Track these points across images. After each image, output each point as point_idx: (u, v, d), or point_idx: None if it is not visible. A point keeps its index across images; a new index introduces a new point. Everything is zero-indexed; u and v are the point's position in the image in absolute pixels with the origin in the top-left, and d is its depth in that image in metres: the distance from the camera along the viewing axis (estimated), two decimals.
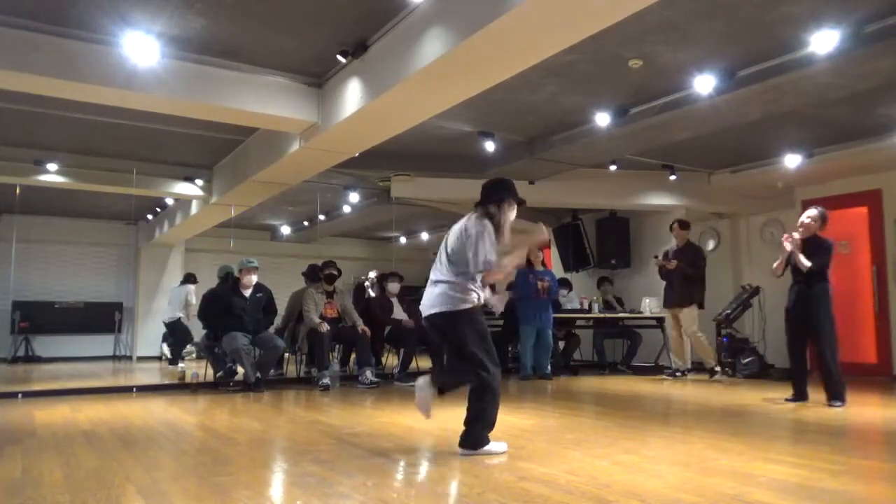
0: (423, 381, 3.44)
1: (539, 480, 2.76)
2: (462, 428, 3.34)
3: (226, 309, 6.43)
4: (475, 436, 3.30)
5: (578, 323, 8.76)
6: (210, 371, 6.88)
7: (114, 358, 11.05)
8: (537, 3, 3.35)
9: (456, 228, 3.54)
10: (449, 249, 3.46)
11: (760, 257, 8.77)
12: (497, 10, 3.47)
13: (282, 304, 7.31)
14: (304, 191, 8.60)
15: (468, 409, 3.34)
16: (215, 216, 9.18)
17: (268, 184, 7.25)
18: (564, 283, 8.78)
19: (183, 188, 8.46)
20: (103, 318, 11.09)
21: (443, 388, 3.51)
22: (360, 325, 6.93)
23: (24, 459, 3.26)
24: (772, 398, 5.55)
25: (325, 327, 6.65)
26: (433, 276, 3.51)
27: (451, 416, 4.13)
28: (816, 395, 5.23)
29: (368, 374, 6.69)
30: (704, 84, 5.09)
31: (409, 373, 7.15)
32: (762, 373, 7.37)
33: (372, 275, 8.96)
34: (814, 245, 5.21)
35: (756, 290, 8.08)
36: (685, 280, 7.17)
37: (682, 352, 7.41)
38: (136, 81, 4.76)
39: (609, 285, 9.18)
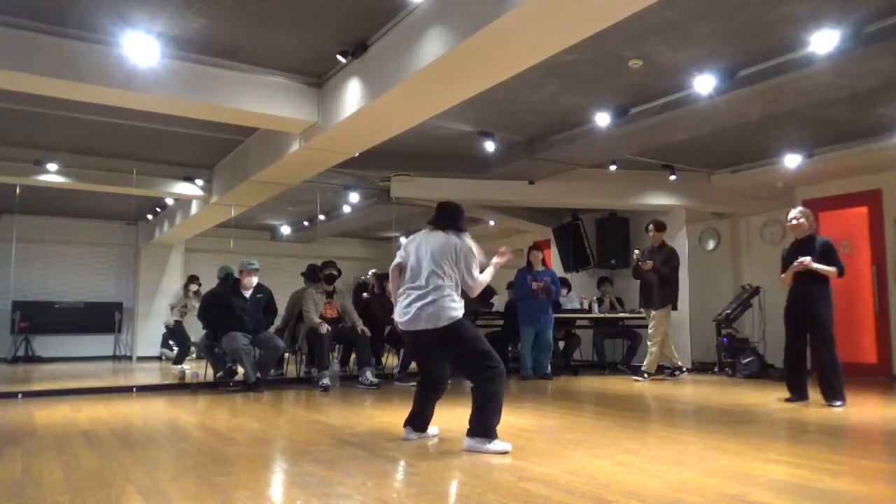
0: (491, 445, 3.36)
1: (539, 480, 2.76)
2: (467, 425, 3.40)
3: (226, 309, 6.43)
4: (487, 425, 3.38)
5: (578, 323, 8.76)
6: (210, 371, 6.88)
7: (114, 358, 11.04)
8: (537, 3, 3.35)
9: (435, 243, 3.64)
10: (436, 265, 3.57)
11: (760, 257, 8.78)
12: (497, 10, 3.47)
13: (282, 305, 7.31)
14: (304, 191, 8.60)
15: (479, 400, 3.43)
16: (215, 216, 9.18)
17: (268, 184, 7.25)
18: (563, 283, 8.78)
19: (183, 188, 8.46)
20: (103, 318, 11.08)
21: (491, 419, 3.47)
22: (360, 326, 6.93)
23: (24, 459, 3.26)
24: (772, 398, 5.55)
25: (325, 327, 6.65)
26: (417, 291, 3.57)
27: (452, 417, 4.13)
28: (816, 395, 5.22)
29: (368, 375, 6.68)
30: (704, 84, 5.09)
31: (409, 373, 7.15)
32: (762, 373, 7.37)
33: (370, 274, 8.97)
34: (819, 247, 5.19)
35: (756, 290, 8.09)
36: (661, 281, 7.15)
37: (671, 350, 7.36)
38: (136, 81, 4.77)
39: (609, 286, 9.18)
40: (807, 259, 5.10)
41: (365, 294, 8.16)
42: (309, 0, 4.23)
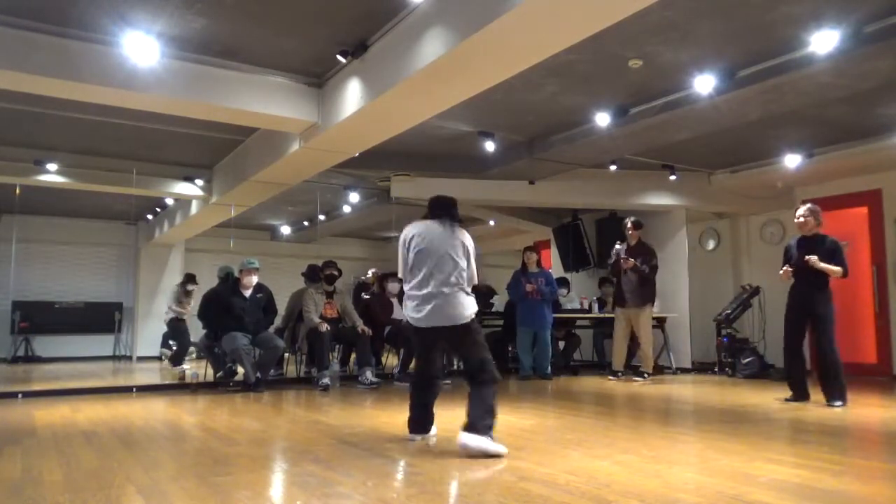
0: (474, 441, 3.27)
1: (539, 480, 2.76)
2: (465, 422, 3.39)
3: (226, 309, 6.43)
4: (484, 423, 3.34)
5: (578, 323, 8.76)
6: (210, 371, 6.88)
7: (114, 358, 11.04)
8: (537, 3, 3.35)
9: (443, 238, 3.66)
10: (450, 260, 3.60)
11: (760, 257, 8.78)
12: (497, 10, 3.47)
13: (282, 304, 7.31)
14: (304, 191, 8.60)
15: (476, 400, 3.42)
16: (215, 216, 9.17)
17: (268, 184, 7.24)
18: (563, 283, 8.78)
19: (183, 188, 8.45)
20: (103, 318, 11.08)
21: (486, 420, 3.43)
22: (360, 325, 6.93)
23: (24, 459, 3.26)
24: (771, 398, 5.55)
25: (325, 327, 6.65)
26: (441, 286, 3.56)
27: (452, 417, 4.13)
28: (817, 394, 5.23)
29: (368, 375, 6.68)
30: (704, 84, 5.09)
31: (409, 373, 7.15)
32: (762, 373, 7.37)
33: (370, 273, 8.97)
34: (824, 246, 5.18)
35: (756, 290, 8.08)
36: (641, 280, 7.16)
37: (623, 353, 7.35)
38: (136, 81, 4.76)
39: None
40: (813, 257, 5.10)
41: (364, 294, 8.16)
42: (309, 0, 4.23)
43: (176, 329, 9.76)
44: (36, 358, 10.47)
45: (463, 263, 3.62)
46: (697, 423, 4.47)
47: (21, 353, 10.41)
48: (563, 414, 4.81)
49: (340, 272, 7.27)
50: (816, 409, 4.95)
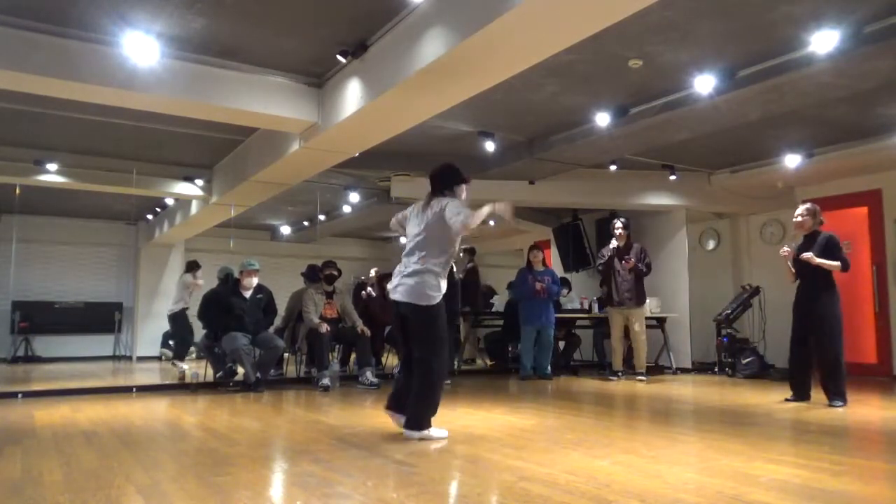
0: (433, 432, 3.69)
1: (539, 480, 2.76)
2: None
3: (226, 309, 6.43)
4: (422, 417, 3.66)
5: (578, 323, 8.76)
6: (210, 371, 6.88)
7: (114, 358, 11.04)
8: (537, 3, 3.35)
9: (424, 214, 3.84)
10: (423, 239, 3.75)
11: (760, 257, 8.78)
12: (497, 9, 3.47)
13: (281, 305, 7.31)
14: (304, 191, 8.60)
15: (417, 390, 3.67)
16: (215, 216, 9.17)
17: (268, 184, 7.24)
18: (564, 283, 8.78)
19: (183, 188, 8.45)
20: (103, 318, 11.08)
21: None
22: (360, 326, 6.93)
23: (24, 459, 3.26)
24: (772, 398, 5.55)
25: (325, 328, 6.64)
26: (404, 265, 3.78)
27: (453, 416, 4.13)
28: (817, 395, 5.22)
29: (368, 375, 6.68)
30: (704, 84, 5.09)
31: None
32: (762, 373, 7.37)
33: (372, 273, 8.95)
34: (821, 242, 5.18)
35: (756, 290, 8.08)
36: (637, 279, 7.24)
37: (622, 352, 7.44)
38: (136, 81, 4.76)
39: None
40: (809, 254, 5.11)
41: (364, 293, 8.16)
42: (309, 0, 4.23)
43: (181, 323, 9.66)
44: (36, 358, 10.47)
45: (439, 242, 3.72)
46: (697, 423, 4.47)
47: (21, 353, 10.41)
48: (563, 414, 4.80)
49: (340, 272, 7.27)
50: (817, 409, 4.95)
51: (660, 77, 5.28)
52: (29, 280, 10.62)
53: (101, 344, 11.08)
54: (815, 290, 5.16)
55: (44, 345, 10.63)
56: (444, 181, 3.96)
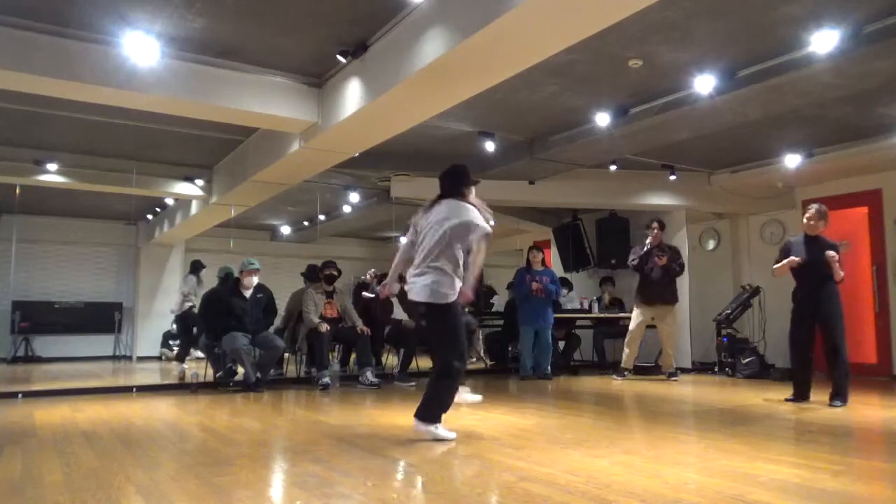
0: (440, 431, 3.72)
1: (539, 480, 2.76)
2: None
3: (226, 309, 6.43)
4: (432, 411, 3.69)
5: (578, 323, 8.76)
6: (210, 371, 6.88)
7: (114, 358, 11.05)
8: (537, 3, 3.35)
9: (439, 216, 3.78)
10: (439, 241, 3.71)
11: (760, 257, 8.77)
12: (497, 9, 3.47)
13: (282, 305, 7.31)
14: (304, 191, 8.60)
15: (432, 389, 3.74)
16: (215, 216, 9.17)
17: (268, 184, 7.24)
18: (564, 283, 8.78)
19: (183, 188, 8.45)
20: (103, 318, 11.08)
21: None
22: (360, 325, 6.93)
23: (24, 459, 3.26)
24: (772, 398, 5.55)
25: (325, 328, 6.64)
26: (419, 266, 3.77)
27: (453, 416, 4.13)
28: (817, 395, 5.23)
29: (368, 375, 6.68)
30: (704, 84, 5.09)
31: (409, 373, 7.16)
32: (762, 373, 7.37)
33: (370, 273, 8.95)
34: (832, 248, 5.19)
35: (756, 290, 8.08)
36: (670, 278, 7.24)
37: (636, 352, 7.43)
38: (136, 81, 4.76)
39: (611, 286, 9.17)
40: (832, 252, 5.11)
41: (366, 293, 8.16)
42: (309, 0, 4.23)
43: (188, 322, 9.62)
44: (36, 358, 10.48)
45: (455, 244, 3.70)
46: (697, 423, 4.47)
47: (21, 353, 10.42)
48: (563, 414, 4.81)
49: (340, 272, 7.27)
50: (816, 409, 4.95)
51: (660, 77, 5.28)
52: (29, 280, 10.62)
53: (101, 344, 11.08)
54: (820, 290, 5.17)
55: (44, 345, 10.63)
56: (454, 183, 3.93)
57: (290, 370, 7.61)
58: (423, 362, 7.54)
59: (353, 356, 7.28)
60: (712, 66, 5.00)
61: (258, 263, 6.64)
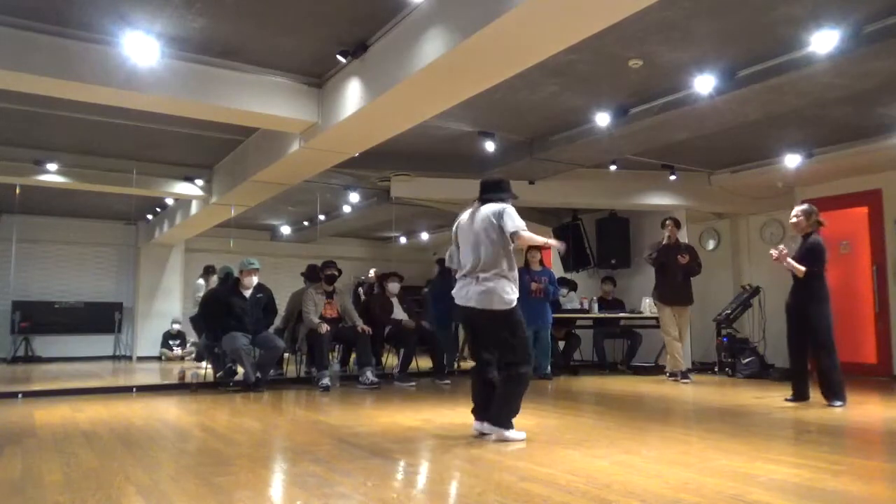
0: (510, 434, 3.68)
1: (539, 480, 2.76)
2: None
3: (226, 309, 6.43)
4: (505, 417, 3.69)
5: (578, 323, 8.76)
6: (210, 371, 6.88)
7: (114, 358, 11.05)
8: (537, 3, 3.35)
9: (478, 223, 3.86)
10: (482, 247, 3.77)
11: (760, 257, 8.77)
12: (497, 10, 3.47)
13: (281, 305, 7.32)
14: (304, 191, 8.60)
15: (499, 390, 3.74)
16: (215, 216, 9.18)
17: (268, 184, 7.24)
18: (568, 284, 8.78)
19: (183, 188, 8.46)
20: (103, 318, 11.10)
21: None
22: (360, 325, 6.93)
23: (24, 459, 3.26)
24: (772, 398, 5.55)
25: (325, 328, 6.64)
26: (470, 275, 3.81)
27: (453, 416, 4.14)
28: (817, 395, 5.22)
29: (369, 374, 6.68)
30: (704, 84, 5.09)
31: (409, 373, 7.16)
32: (762, 373, 7.37)
33: (371, 273, 8.95)
34: (805, 246, 5.19)
35: (756, 290, 8.08)
36: (687, 277, 7.20)
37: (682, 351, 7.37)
38: (136, 81, 4.76)
39: (612, 286, 9.17)
40: (777, 251, 5.16)
41: (362, 290, 8.17)
42: (309, 0, 4.23)
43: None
44: (36, 358, 10.49)
45: (499, 247, 3.75)
46: (697, 423, 4.47)
47: (21, 353, 10.43)
48: (563, 414, 4.81)
49: (340, 272, 7.27)
50: (816, 409, 4.95)
51: (660, 77, 5.28)
52: (29, 280, 10.64)
53: (101, 344, 11.10)
54: (801, 291, 5.18)
55: (44, 345, 10.64)
56: (494, 191, 4.09)
57: (290, 370, 7.61)
58: (423, 362, 7.55)
59: (353, 356, 7.28)
60: (712, 66, 5.00)
61: (258, 263, 6.64)
